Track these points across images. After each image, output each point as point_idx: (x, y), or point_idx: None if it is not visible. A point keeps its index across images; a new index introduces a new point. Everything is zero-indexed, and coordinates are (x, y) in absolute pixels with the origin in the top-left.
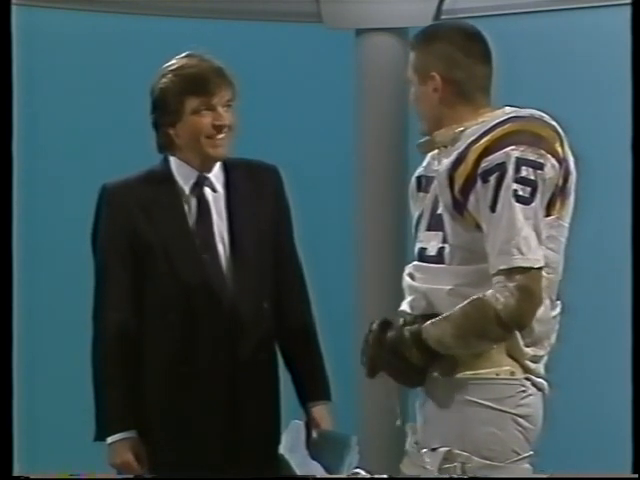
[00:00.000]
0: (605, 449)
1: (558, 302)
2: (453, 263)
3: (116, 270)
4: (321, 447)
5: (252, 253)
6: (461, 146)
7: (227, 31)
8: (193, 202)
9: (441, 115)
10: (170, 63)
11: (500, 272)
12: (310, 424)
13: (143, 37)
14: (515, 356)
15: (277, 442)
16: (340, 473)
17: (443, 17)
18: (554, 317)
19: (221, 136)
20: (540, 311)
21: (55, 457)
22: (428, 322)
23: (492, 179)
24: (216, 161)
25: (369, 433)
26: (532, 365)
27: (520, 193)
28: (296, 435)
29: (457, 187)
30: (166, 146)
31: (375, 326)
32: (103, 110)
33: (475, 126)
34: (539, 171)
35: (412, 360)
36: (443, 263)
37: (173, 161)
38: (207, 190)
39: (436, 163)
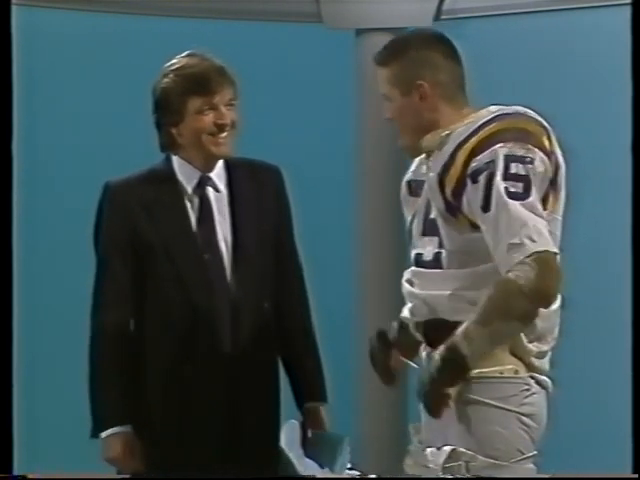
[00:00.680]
0: (605, 449)
1: (558, 295)
2: (451, 267)
3: (116, 268)
4: (315, 447)
5: (254, 253)
6: (449, 149)
7: (227, 31)
8: (195, 202)
9: (427, 122)
10: (171, 63)
11: (516, 264)
12: (306, 424)
13: (143, 37)
14: (519, 354)
15: (277, 442)
16: (333, 472)
17: (443, 17)
18: (555, 311)
19: (224, 135)
20: None
21: (55, 456)
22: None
23: (482, 178)
24: (219, 159)
25: (368, 434)
26: (537, 362)
27: (512, 190)
28: (292, 434)
29: (449, 190)
30: (169, 145)
31: None
32: (103, 110)
33: (461, 127)
34: (529, 165)
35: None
36: (441, 268)
37: (176, 160)
38: (209, 190)
39: (424, 167)
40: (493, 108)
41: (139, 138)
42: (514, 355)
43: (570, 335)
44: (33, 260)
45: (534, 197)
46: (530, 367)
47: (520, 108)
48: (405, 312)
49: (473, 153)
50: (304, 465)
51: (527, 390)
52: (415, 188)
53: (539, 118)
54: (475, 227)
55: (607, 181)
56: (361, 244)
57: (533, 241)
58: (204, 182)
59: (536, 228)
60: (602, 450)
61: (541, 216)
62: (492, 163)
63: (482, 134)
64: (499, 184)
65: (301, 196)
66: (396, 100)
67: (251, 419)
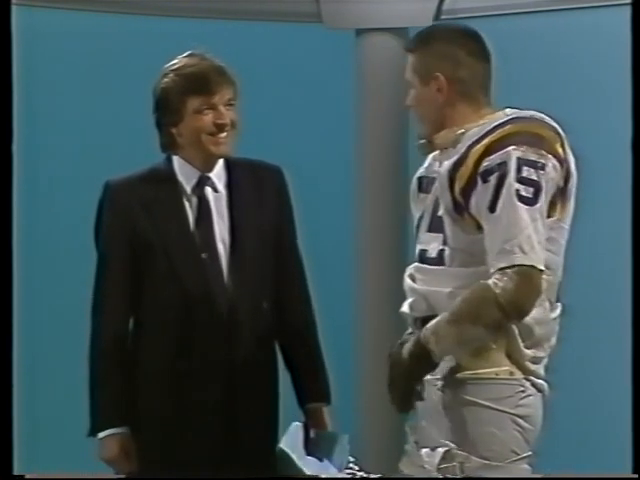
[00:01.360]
0: (605, 449)
1: (558, 304)
2: (453, 265)
3: (115, 267)
4: (315, 445)
5: (252, 253)
6: (462, 148)
7: (227, 31)
8: (194, 201)
9: (443, 116)
10: (171, 63)
11: (500, 270)
12: (308, 424)
13: (143, 37)
14: (515, 357)
15: (275, 442)
16: (332, 466)
17: (443, 17)
18: (554, 319)
19: (223, 134)
20: (540, 313)
21: (54, 456)
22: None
23: (492, 178)
24: (219, 158)
25: (368, 433)
26: (532, 366)
27: (523, 193)
28: (295, 436)
29: (458, 189)
30: (169, 145)
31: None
32: (103, 110)
33: (476, 128)
34: (541, 171)
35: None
36: (443, 265)
37: (176, 160)
38: (208, 190)
39: (437, 164)
40: (509, 111)
41: (139, 138)
42: (510, 357)
43: (571, 336)
44: (33, 260)
45: (542, 204)
46: (525, 370)
47: (536, 113)
48: (405, 307)
49: (485, 153)
50: (306, 465)
51: (522, 392)
52: (426, 185)
53: (554, 124)
54: (480, 228)
55: (607, 181)
56: (361, 244)
57: (523, 252)
58: (203, 182)
59: (530, 240)
60: (602, 450)
61: (543, 226)
62: (504, 164)
63: (496, 135)
64: (511, 185)
65: (301, 196)
66: (417, 88)
67: (249, 419)
